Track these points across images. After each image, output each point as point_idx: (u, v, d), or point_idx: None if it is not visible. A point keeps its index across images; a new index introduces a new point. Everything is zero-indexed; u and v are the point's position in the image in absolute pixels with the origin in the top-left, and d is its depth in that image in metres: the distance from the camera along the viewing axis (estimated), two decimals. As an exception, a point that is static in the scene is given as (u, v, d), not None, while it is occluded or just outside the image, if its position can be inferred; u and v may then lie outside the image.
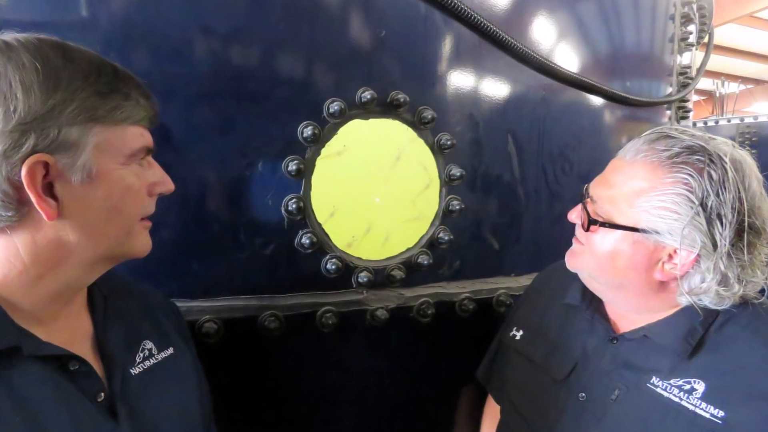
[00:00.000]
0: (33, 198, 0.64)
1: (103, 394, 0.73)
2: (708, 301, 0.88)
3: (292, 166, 1.17)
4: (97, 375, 0.74)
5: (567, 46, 1.51)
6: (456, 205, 1.34)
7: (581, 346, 1.03)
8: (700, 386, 0.86)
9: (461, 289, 1.39)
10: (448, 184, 1.34)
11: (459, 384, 1.46)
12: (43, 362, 0.68)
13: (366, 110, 1.23)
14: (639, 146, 0.91)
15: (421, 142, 1.30)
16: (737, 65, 11.63)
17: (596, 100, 1.59)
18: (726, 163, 0.84)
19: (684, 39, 1.89)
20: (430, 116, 1.27)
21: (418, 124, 1.28)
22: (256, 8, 1.12)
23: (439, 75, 1.31)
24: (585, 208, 0.96)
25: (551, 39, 1.46)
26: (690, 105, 2.01)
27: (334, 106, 1.18)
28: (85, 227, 0.69)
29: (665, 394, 0.88)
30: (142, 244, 0.79)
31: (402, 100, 1.23)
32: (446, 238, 1.33)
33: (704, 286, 0.86)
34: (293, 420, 1.30)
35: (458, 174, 1.32)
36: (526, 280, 1.43)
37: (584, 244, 0.98)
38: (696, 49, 1.99)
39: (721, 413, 0.82)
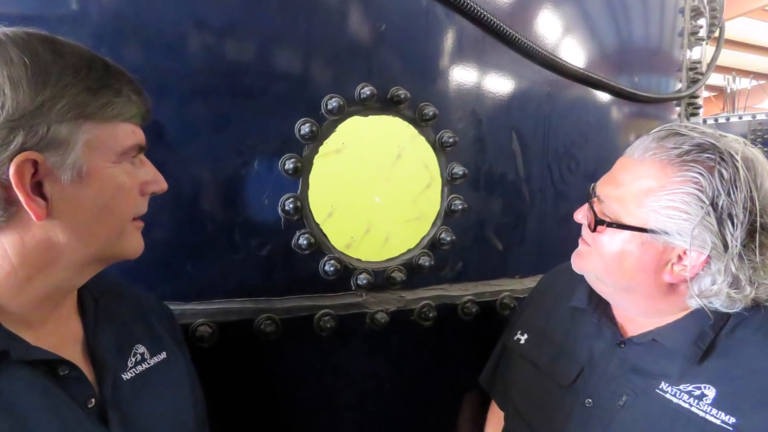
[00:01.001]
0: (21, 197, 0.62)
1: (93, 399, 0.72)
2: (719, 304, 0.87)
3: (289, 165, 1.15)
4: (87, 380, 0.73)
5: (573, 40, 1.49)
6: (458, 204, 1.32)
7: (588, 351, 1.02)
8: (710, 392, 0.85)
9: (464, 292, 1.38)
10: (450, 183, 1.32)
11: (461, 389, 1.45)
12: (31, 367, 0.67)
13: (365, 107, 1.21)
14: (647, 144, 0.90)
15: (422, 139, 1.28)
16: (749, 60, 11.51)
17: (603, 97, 1.58)
18: (737, 161, 0.82)
19: (694, 33, 1.88)
20: (431, 113, 1.26)
21: (419, 121, 1.27)
22: (251, 1, 1.11)
23: (441, 70, 1.29)
24: (592, 207, 0.95)
25: (557, 33, 1.45)
26: (700, 101, 2.01)
27: (333, 102, 1.17)
28: (75, 227, 0.68)
29: (675, 400, 0.87)
30: (133, 245, 0.77)
31: (402, 96, 1.22)
32: (448, 238, 1.32)
33: (715, 289, 0.85)
34: (290, 427, 1.29)
35: (461, 173, 1.30)
36: (530, 282, 1.42)
37: (591, 245, 0.97)
38: (706, 44, 1.98)
39: (732, 420, 0.81)
